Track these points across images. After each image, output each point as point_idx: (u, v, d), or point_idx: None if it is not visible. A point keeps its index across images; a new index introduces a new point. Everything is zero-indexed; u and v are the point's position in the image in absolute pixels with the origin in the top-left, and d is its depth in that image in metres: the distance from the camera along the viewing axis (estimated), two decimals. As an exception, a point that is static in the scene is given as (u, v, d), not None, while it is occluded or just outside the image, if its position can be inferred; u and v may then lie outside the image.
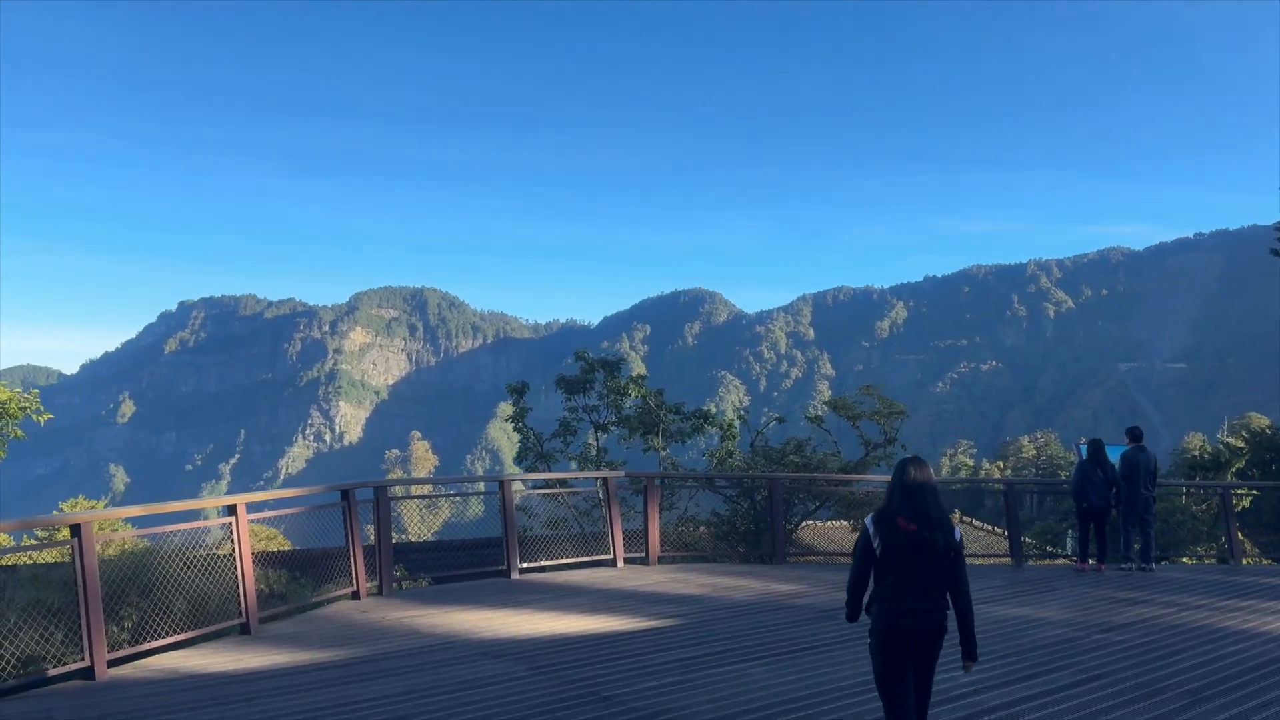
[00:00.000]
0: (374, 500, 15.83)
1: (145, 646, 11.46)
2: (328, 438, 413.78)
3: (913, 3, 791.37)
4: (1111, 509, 19.09)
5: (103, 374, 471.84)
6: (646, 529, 19.34)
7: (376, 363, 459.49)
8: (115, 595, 11.64)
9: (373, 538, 16.02)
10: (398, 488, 18.98)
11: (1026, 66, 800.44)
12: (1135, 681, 10.28)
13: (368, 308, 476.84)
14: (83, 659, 10.48)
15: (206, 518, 14.39)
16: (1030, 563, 22.12)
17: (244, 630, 12.83)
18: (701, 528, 22.91)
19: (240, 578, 12.79)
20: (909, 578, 7.10)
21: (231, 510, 12.87)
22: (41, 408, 19.91)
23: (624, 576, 17.90)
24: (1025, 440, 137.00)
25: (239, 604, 12.81)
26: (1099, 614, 14.45)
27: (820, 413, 29.20)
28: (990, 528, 36.53)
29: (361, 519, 15.61)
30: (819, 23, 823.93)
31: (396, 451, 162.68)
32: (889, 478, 7.53)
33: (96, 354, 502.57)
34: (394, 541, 17.97)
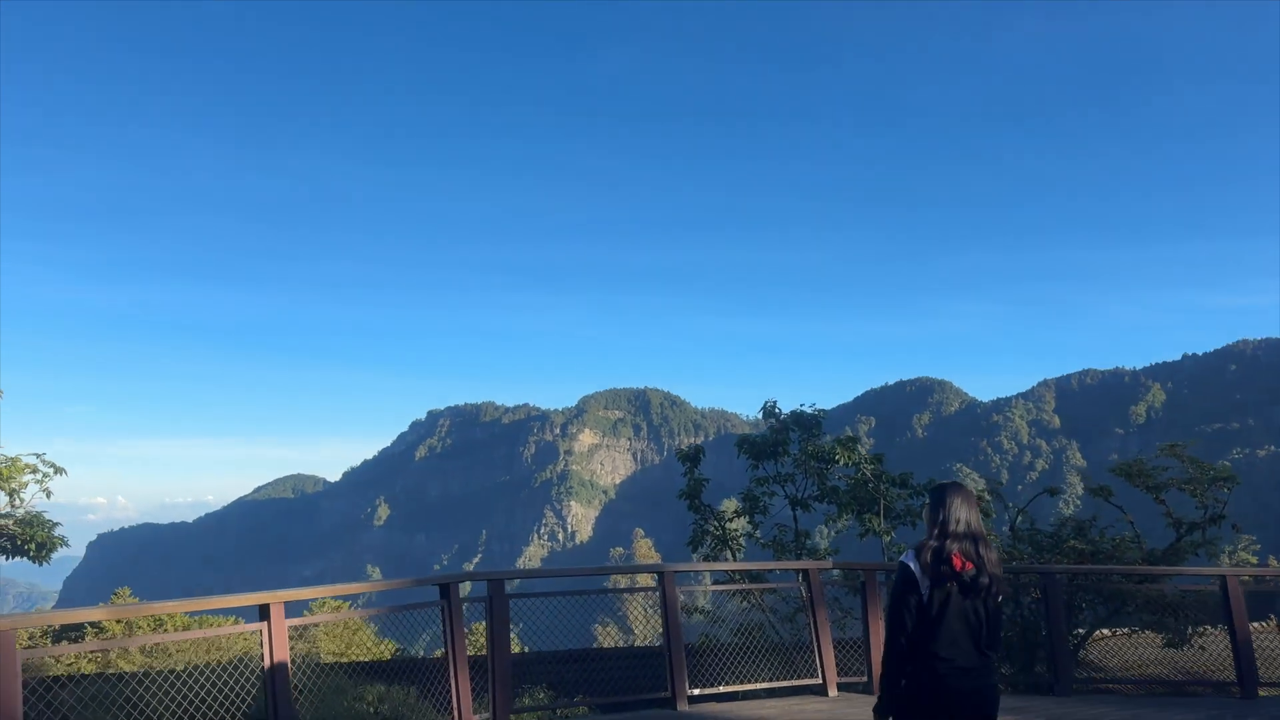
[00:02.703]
0: (487, 598, 11.85)
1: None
2: (560, 536, 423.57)
3: (1150, 74, 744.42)
4: None
5: (362, 480, 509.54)
6: (867, 640, 14.16)
7: (604, 462, 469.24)
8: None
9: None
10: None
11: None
12: None
13: (595, 409, 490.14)
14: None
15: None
16: None
17: (274, 785, 9.00)
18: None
19: (270, 707, 9.03)
20: (961, 629, 6.18)
21: (264, 613, 9.23)
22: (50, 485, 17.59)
23: (836, 710, 12.83)
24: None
25: (268, 746, 9.03)
26: None
27: (1105, 483, 22.15)
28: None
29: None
30: (1047, 99, 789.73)
31: (621, 550, 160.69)
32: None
33: (357, 462, 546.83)
34: (563, 649, 14.04)
